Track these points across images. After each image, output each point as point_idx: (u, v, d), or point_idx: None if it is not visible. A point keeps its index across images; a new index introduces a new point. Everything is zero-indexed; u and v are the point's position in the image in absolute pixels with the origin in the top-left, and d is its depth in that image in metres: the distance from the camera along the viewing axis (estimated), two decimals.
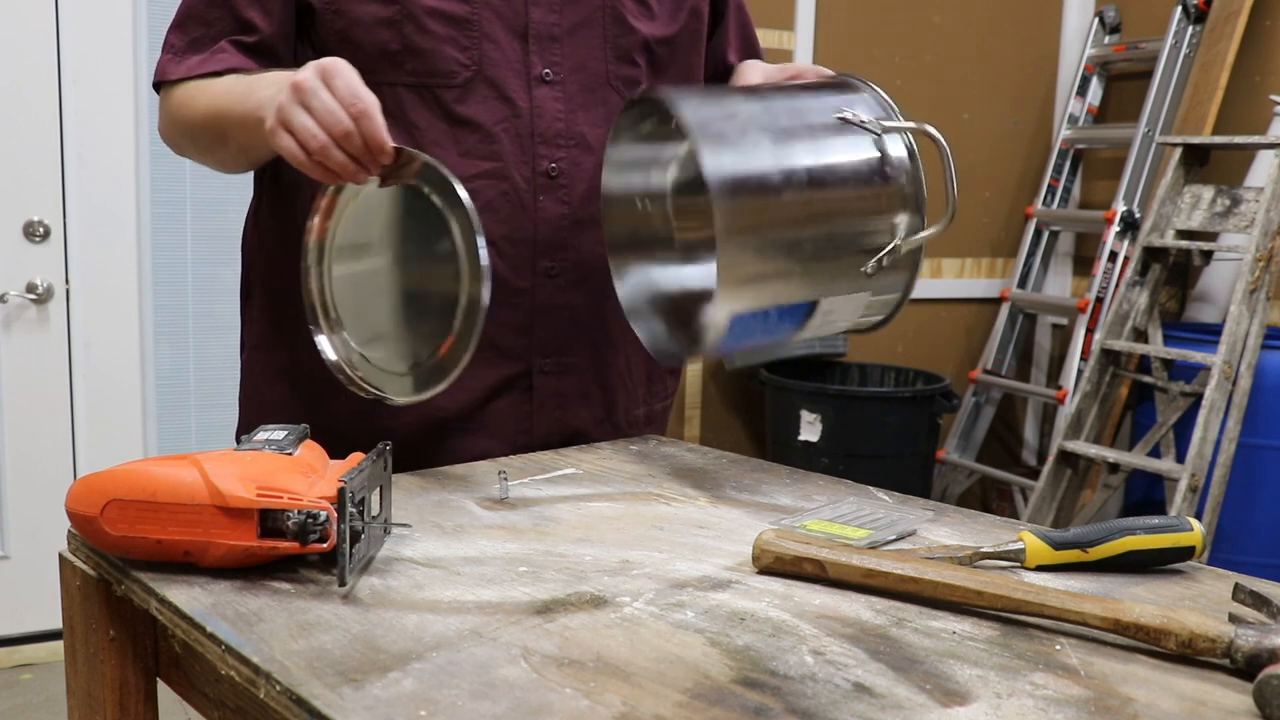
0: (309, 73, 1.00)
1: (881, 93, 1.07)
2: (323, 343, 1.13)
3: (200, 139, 1.21)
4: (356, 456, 0.91)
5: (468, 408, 1.21)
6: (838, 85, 1.10)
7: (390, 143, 1.02)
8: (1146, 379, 3.01)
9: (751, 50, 1.42)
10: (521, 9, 1.18)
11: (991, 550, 0.90)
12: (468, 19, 1.16)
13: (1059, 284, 3.90)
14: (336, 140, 0.99)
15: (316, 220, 1.12)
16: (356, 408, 1.14)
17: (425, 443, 1.19)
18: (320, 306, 1.13)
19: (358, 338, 1.13)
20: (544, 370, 1.24)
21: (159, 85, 1.23)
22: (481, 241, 1.03)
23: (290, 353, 1.24)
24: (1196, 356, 2.80)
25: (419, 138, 1.15)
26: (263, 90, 1.07)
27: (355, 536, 0.79)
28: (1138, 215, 3.41)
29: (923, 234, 1.02)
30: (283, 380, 1.26)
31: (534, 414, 1.24)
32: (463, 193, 1.03)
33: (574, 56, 1.21)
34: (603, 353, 1.27)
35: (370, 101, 1.00)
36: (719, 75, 1.38)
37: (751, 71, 1.28)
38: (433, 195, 1.06)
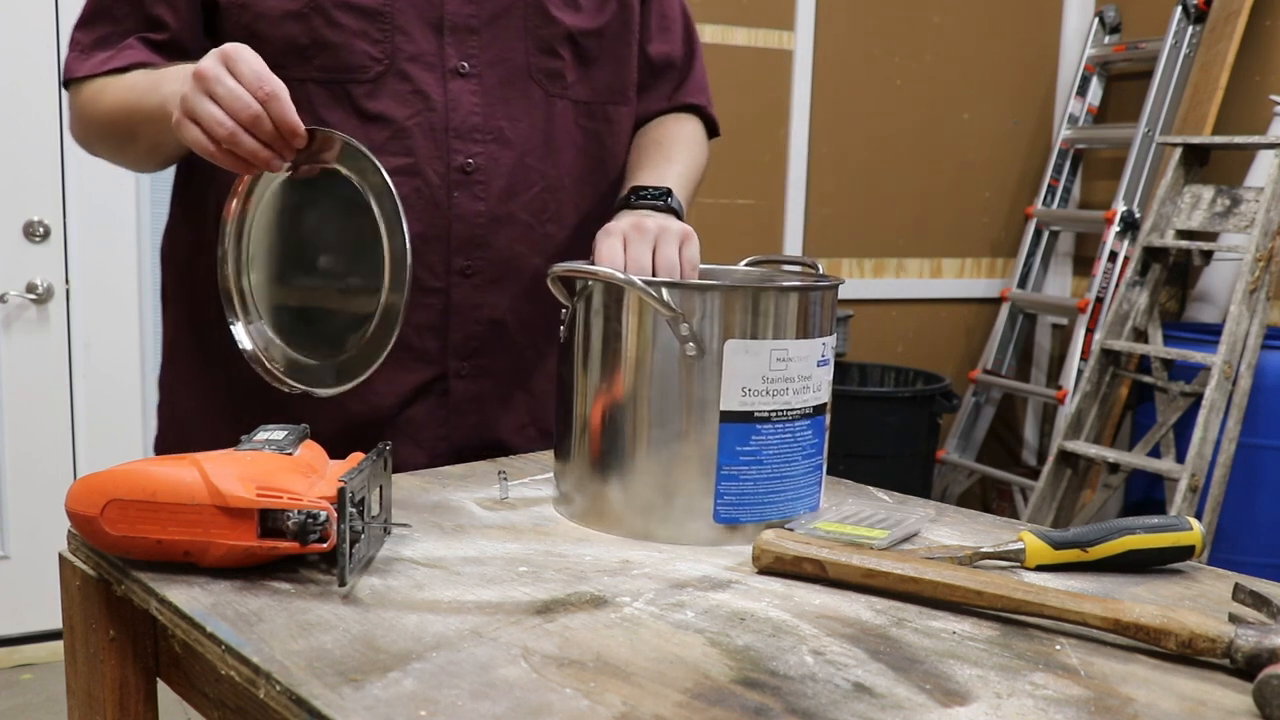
0: (210, 60, 0.98)
1: None
2: (239, 332, 1.11)
3: (109, 137, 1.18)
4: (356, 456, 0.91)
5: (383, 413, 1.17)
6: None
7: (302, 125, 0.99)
8: (1146, 379, 3.01)
9: (671, 37, 1.35)
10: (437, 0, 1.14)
11: (991, 550, 0.90)
12: (380, 11, 1.12)
13: (1059, 284, 3.90)
14: (245, 125, 0.97)
15: (234, 205, 1.09)
16: (270, 416, 1.09)
17: (342, 448, 1.13)
18: (236, 295, 1.11)
19: (277, 327, 1.11)
20: (461, 374, 1.19)
21: (68, 83, 1.19)
22: (404, 222, 1.01)
23: (204, 362, 1.21)
24: (1196, 356, 2.80)
25: None
26: (168, 84, 1.05)
27: (355, 536, 0.79)
28: (1138, 215, 3.41)
29: None
30: (198, 390, 1.23)
31: (450, 420, 1.20)
32: (384, 171, 1.01)
33: (493, 48, 1.16)
34: (525, 356, 1.23)
35: (278, 84, 0.97)
36: (648, 68, 1.32)
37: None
38: (353, 177, 1.04)
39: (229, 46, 0.99)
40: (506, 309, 1.20)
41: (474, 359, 1.20)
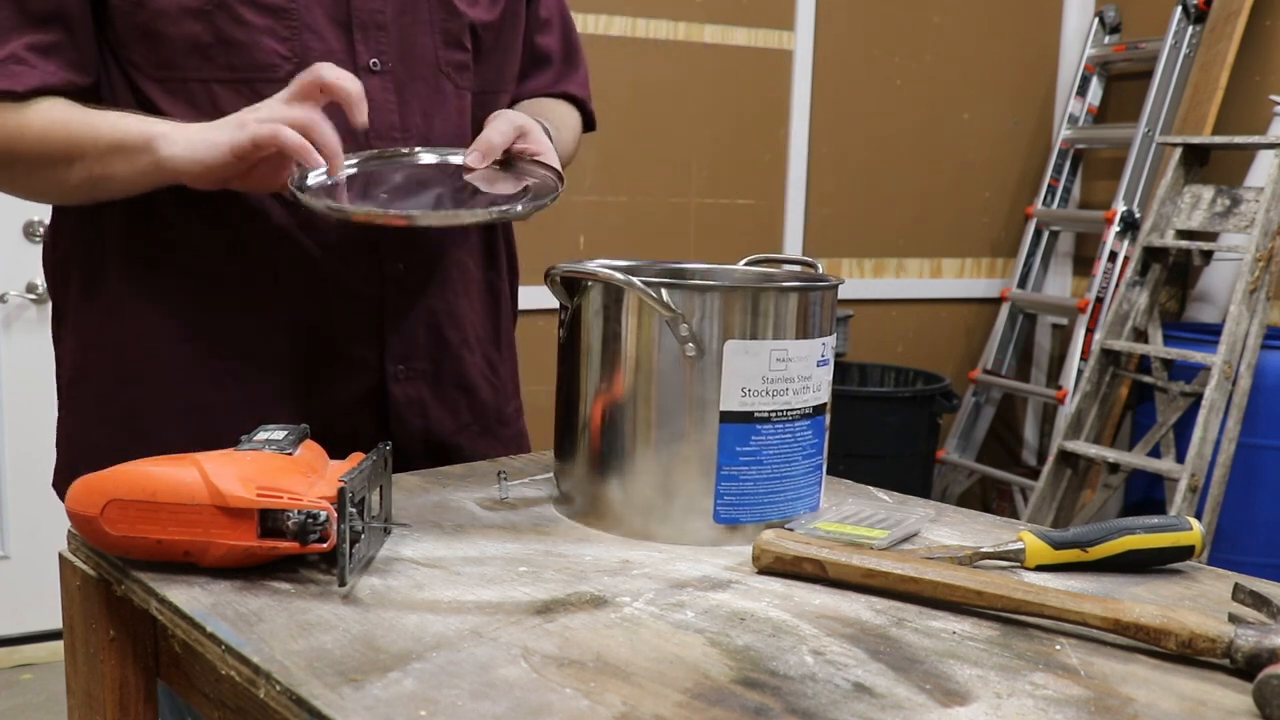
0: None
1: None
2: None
3: (25, 160, 1.07)
4: (356, 456, 0.91)
5: (323, 425, 1.11)
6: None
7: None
8: (1146, 379, 3.01)
9: (551, 33, 1.36)
10: None
11: (991, 550, 0.90)
12: (285, 8, 1.07)
13: (1059, 284, 3.90)
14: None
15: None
16: (192, 442, 1.00)
17: None
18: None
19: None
20: (398, 378, 1.18)
21: None
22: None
23: (113, 385, 1.14)
24: (1196, 356, 2.80)
25: None
26: (153, 125, 1.02)
27: (355, 536, 0.79)
28: (1138, 215, 3.41)
29: None
30: (111, 414, 1.15)
31: (392, 426, 1.18)
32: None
33: (402, 44, 1.14)
34: (459, 354, 1.22)
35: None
36: (530, 57, 1.33)
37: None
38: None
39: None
40: (439, 309, 1.19)
41: (410, 362, 1.18)
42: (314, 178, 1.02)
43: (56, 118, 1.06)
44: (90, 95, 1.09)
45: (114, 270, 1.13)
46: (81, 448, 1.18)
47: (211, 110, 1.06)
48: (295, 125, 0.98)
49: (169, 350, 1.12)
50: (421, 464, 1.18)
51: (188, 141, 1.00)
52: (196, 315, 1.12)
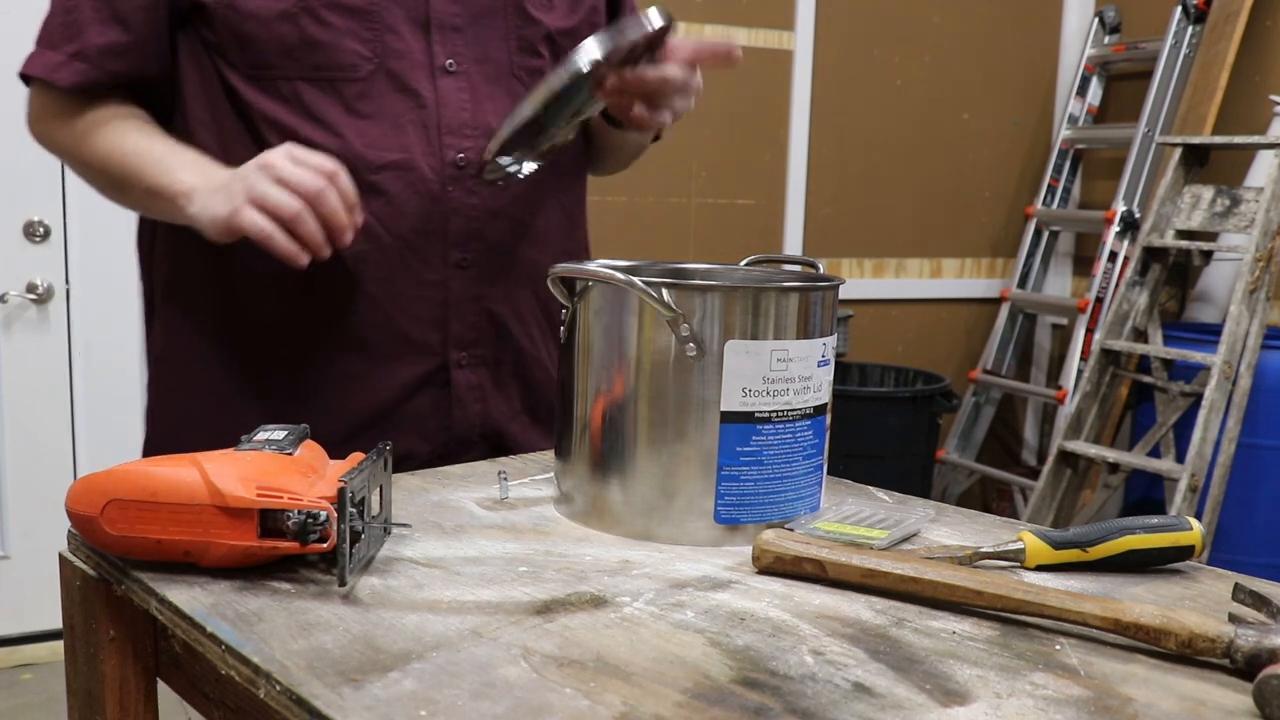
0: (277, 154, 1.05)
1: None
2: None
3: (94, 180, 1.22)
4: (356, 456, 0.91)
5: (386, 406, 1.20)
6: None
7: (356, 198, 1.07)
8: (1146, 379, 3.01)
9: None
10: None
11: (991, 550, 0.90)
12: (367, 10, 1.14)
13: (1059, 284, 3.91)
14: (310, 200, 1.03)
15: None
16: (271, 418, 1.11)
17: (346, 445, 1.08)
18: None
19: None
20: (460, 365, 1.22)
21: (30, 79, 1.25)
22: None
23: (199, 362, 1.22)
24: (1196, 356, 2.81)
25: (323, 131, 1.14)
26: (183, 172, 1.11)
27: (355, 536, 0.79)
28: (1138, 215, 3.41)
29: None
30: (193, 392, 1.24)
31: (453, 410, 1.22)
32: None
33: (477, 47, 1.20)
34: (520, 345, 1.26)
35: (337, 165, 1.05)
36: None
37: None
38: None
39: (290, 148, 1.05)
40: (501, 300, 1.23)
41: (472, 349, 1.23)
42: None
43: (114, 146, 1.17)
44: (163, 84, 1.19)
45: (195, 265, 1.20)
46: (168, 420, 1.27)
47: (299, 106, 1.14)
48: (274, 208, 1.03)
49: (241, 335, 1.19)
50: (478, 447, 1.24)
51: (202, 207, 1.08)
52: (268, 301, 1.18)
